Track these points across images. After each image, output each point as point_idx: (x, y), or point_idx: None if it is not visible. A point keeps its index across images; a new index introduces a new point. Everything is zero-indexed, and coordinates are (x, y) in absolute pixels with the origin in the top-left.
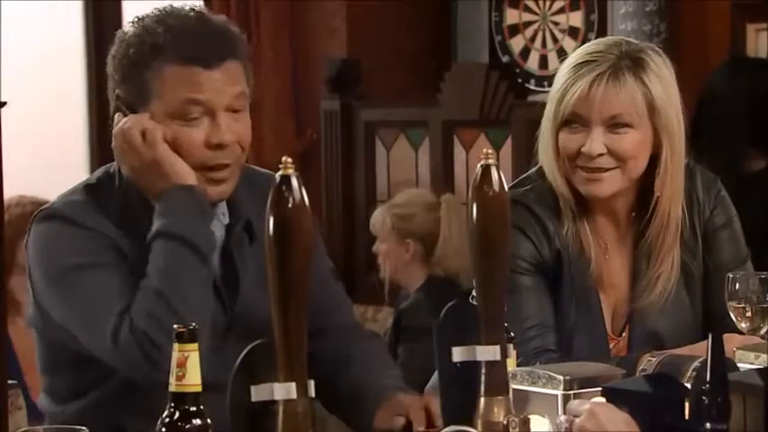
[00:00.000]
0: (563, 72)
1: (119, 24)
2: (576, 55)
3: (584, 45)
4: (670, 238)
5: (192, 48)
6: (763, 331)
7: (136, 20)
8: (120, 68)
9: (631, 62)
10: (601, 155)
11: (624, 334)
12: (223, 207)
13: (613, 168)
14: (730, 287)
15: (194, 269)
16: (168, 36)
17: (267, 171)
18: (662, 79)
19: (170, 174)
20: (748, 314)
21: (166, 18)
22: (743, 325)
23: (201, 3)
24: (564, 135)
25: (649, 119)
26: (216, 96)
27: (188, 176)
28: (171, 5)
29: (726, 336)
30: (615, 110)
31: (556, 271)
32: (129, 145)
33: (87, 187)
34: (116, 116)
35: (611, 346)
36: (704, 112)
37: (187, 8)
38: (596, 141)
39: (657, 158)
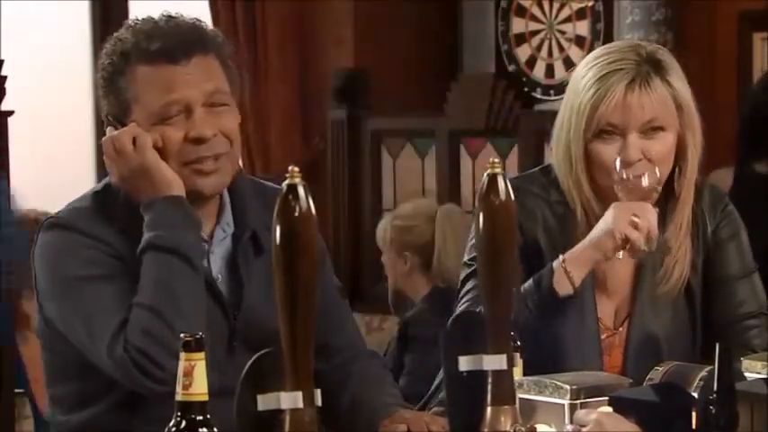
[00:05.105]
0: (586, 84)
1: None
2: (596, 65)
3: (595, 52)
4: (685, 229)
5: (155, 44)
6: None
7: (114, 35)
8: (102, 82)
9: (652, 65)
10: (639, 160)
11: (621, 329)
12: (228, 217)
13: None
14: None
15: (187, 280)
16: (133, 40)
17: (277, 186)
18: (681, 78)
19: (159, 181)
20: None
21: (134, 25)
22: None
23: (207, 10)
24: (598, 146)
25: (678, 119)
26: (189, 92)
27: (175, 186)
28: (148, 15)
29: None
30: (650, 114)
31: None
32: (119, 152)
33: (94, 194)
34: (107, 130)
35: (603, 336)
36: (746, 126)
37: (163, 14)
38: (633, 148)
39: (679, 161)
